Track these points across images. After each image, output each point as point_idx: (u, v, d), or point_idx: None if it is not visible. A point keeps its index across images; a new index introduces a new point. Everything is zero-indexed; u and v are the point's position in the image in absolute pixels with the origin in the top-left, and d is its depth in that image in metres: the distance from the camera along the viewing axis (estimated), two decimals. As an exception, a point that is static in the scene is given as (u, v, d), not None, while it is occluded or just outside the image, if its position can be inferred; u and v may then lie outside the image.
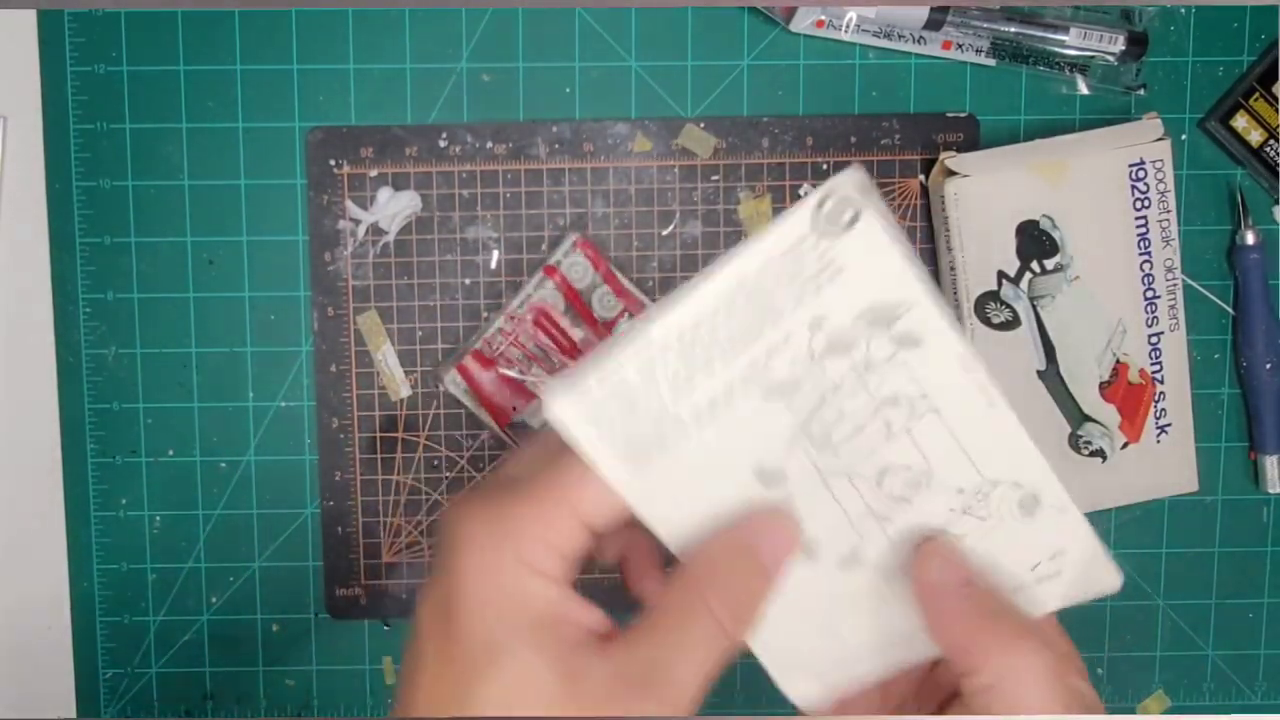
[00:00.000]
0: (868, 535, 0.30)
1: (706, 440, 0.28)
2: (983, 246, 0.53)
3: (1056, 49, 0.54)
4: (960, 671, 0.29)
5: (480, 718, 0.26)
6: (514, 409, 0.54)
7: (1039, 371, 0.54)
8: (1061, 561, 0.30)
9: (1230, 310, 0.57)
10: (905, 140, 0.55)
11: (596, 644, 0.28)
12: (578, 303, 0.54)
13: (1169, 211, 0.53)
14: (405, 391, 0.56)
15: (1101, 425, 0.54)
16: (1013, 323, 0.54)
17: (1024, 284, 0.53)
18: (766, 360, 0.27)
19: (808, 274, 0.26)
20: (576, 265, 0.54)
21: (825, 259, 0.26)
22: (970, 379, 0.28)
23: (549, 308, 0.54)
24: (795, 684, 0.31)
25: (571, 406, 0.27)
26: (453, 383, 0.54)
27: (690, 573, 0.29)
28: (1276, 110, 0.55)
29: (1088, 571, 0.30)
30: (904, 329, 0.27)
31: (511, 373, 0.54)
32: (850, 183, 0.26)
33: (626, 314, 0.54)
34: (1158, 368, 0.54)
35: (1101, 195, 0.53)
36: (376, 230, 0.55)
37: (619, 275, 0.54)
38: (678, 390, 0.27)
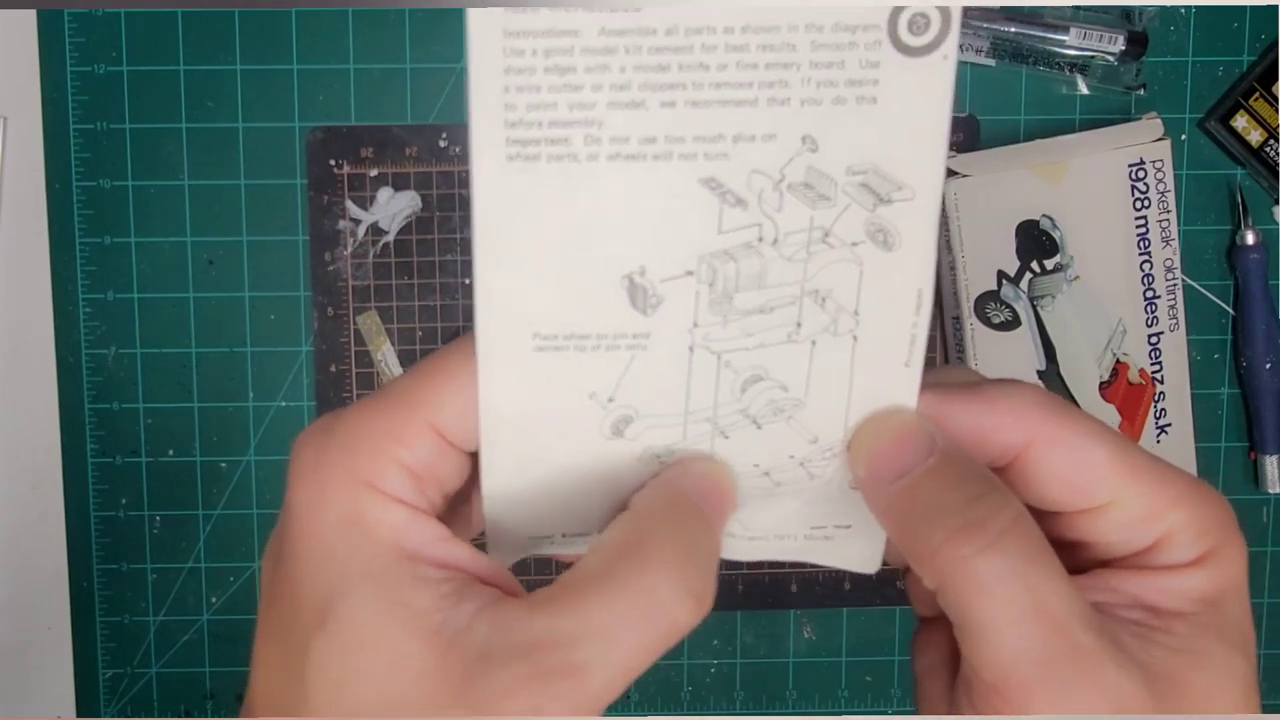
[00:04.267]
0: (691, 443, 0.23)
1: (609, 187, 0.21)
2: (983, 246, 0.53)
3: (1056, 49, 0.54)
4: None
5: None
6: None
7: (1039, 371, 0.54)
8: (840, 532, 0.26)
9: (1230, 310, 0.57)
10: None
11: (486, 597, 0.20)
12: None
13: (1169, 211, 0.53)
14: (405, 391, 0.56)
15: (1101, 425, 0.54)
16: (1013, 323, 0.54)
17: (1024, 284, 0.53)
18: (733, 139, 0.21)
19: (839, 77, 0.20)
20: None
21: (869, 73, 0.20)
22: (907, 322, 0.22)
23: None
24: (500, 547, 0.25)
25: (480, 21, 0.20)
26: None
27: (626, 531, 0.21)
28: (1276, 110, 0.55)
29: (855, 548, 0.26)
30: (885, 218, 0.21)
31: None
32: (945, 5, 0.20)
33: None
34: (1158, 368, 0.54)
35: (1101, 195, 0.53)
36: (376, 230, 0.55)
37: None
38: (611, 93, 0.20)
